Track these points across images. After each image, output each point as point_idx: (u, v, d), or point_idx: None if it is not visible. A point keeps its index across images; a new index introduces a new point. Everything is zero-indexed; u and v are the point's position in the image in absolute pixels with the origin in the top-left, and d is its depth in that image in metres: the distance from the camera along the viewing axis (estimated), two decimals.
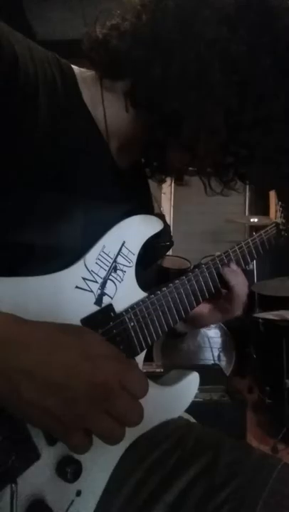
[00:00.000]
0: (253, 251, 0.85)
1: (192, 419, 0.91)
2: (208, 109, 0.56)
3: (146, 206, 0.79)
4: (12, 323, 0.44)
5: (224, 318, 0.83)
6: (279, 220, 0.96)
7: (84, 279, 0.59)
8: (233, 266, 0.80)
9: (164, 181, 0.76)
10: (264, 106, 0.55)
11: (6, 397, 0.42)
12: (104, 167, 0.65)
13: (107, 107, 0.63)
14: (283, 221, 0.96)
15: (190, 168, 0.69)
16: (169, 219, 4.03)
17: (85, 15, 2.73)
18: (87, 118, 0.62)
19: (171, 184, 3.94)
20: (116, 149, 0.66)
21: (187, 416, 0.91)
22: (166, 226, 0.71)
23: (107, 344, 0.47)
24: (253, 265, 2.95)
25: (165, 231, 0.70)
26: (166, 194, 3.98)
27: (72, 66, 0.63)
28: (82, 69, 0.64)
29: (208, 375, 2.07)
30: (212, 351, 2.91)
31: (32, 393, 0.41)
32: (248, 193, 4.06)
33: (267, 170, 0.61)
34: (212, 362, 2.81)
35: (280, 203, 1.06)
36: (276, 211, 1.05)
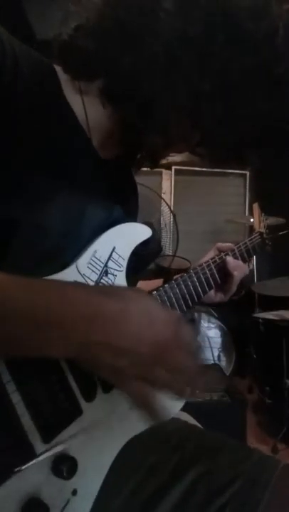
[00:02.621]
0: (239, 258, 0.92)
1: (192, 420, 0.91)
2: (174, 89, 0.59)
3: (131, 199, 0.81)
4: (82, 294, 0.51)
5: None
6: (263, 230, 1.03)
7: (76, 282, 0.60)
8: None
9: (140, 167, 0.81)
10: (222, 78, 0.59)
11: (87, 361, 0.51)
12: (89, 163, 0.66)
13: (86, 105, 0.64)
14: (267, 231, 1.05)
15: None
16: (169, 219, 4.03)
17: None
18: (70, 115, 0.63)
19: (171, 184, 3.95)
20: (99, 144, 0.68)
21: (187, 417, 0.91)
22: (155, 233, 0.74)
23: (164, 308, 0.61)
24: (253, 265, 2.96)
25: (154, 238, 0.73)
26: (166, 194, 3.98)
27: (54, 66, 0.64)
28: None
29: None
30: (212, 351, 2.91)
31: (108, 359, 0.49)
32: (248, 194, 4.06)
33: (230, 138, 0.65)
34: (212, 362, 2.81)
35: (263, 214, 1.12)
36: (260, 222, 1.11)
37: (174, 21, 0.57)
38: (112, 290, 0.55)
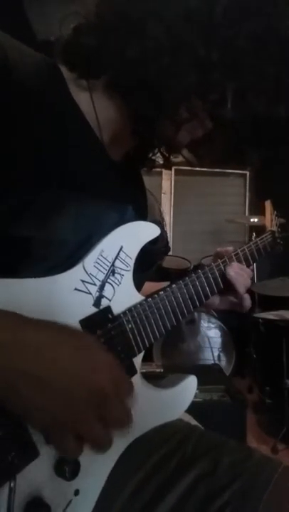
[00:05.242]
0: (249, 257, 0.89)
1: (193, 420, 0.91)
2: (182, 67, 0.58)
3: (141, 201, 0.80)
4: (15, 322, 0.45)
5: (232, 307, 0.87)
6: (274, 229, 1.00)
7: (83, 281, 0.60)
8: (235, 267, 0.82)
9: (152, 168, 0.80)
10: (229, 46, 0.57)
11: (4, 394, 0.42)
12: (99, 162, 0.66)
13: (96, 103, 0.64)
14: (279, 229, 1.02)
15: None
16: (169, 219, 4.03)
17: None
18: (78, 115, 0.63)
19: (171, 184, 3.95)
20: (109, 143, 0.67)
21: (188, 417, 0.91)
22: (163, 232, 0.72)
23: (106, 351, 0.49)
24: (253, 265, 2.95)
25: (162, 237, 0.71)
26: (166, 194, 3.98)
27: (59, 65, 0.64)
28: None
29: (208, 375, 2.07)
30: (212, 351, 2.91)
31: (31, 392, 0.42)
32: (248, 194, 4.06)
33: (240, 113, 0.62)
34: (212, 362, 2.81)
35: (275, 212, 1.10)
36: (271, 220, 1.09)
37: (174, 0, 0.56)
38: (47, 324, 0.47)
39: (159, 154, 0.78)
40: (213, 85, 0.59)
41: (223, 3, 0.56)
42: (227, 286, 0.81)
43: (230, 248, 0.87)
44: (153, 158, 0.78)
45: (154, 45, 0.57)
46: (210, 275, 0.80)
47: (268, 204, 1.18)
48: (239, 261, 0.85)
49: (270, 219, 1.11)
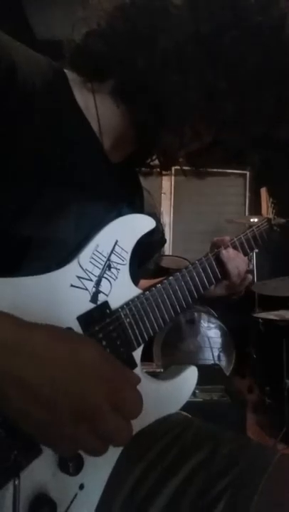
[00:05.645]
0: (245, 245, 0.88)
1: None
2: (187, 87, 0.59)
3: (138, 201, 0.81)
4: (11, 324, 0.44)
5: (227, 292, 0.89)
6: (271, 216, 0.99)
7: (79, 277, 0.60)
8: (230, 251, 0.84)
9: (150, 174, 0.80)
10: (236, 73, 0.59)
11: None
12: (98, 165, 0.67)
13: (98, 107, 0.65)
14: (275, 216, 1.00)
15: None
16: (169, 219, 4.04)
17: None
18: (80, 118, 0.64)
19: (171, 184, 3.95)
20: (109, 146, 0.68)
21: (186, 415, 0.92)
22: (159, 224, 0.72)
23: (106, 359, 0.45)
24: (253, 265, 2.96)
25: (157, 229, 0.71)
26: (166, 194, 3.98)
27: (64, 69, 0.65)
28: (72, 71, 0.66)
29: (208, 375, 2.07)
30: (212, 351, 2.91)
31: (20, 402, 0.40)
32: (248, 194, 4.06)
33: (239, 132, 0.64)
34: (212, 362, 2.81)
35: (271, 199, 1.10)
36: (268, 207, 1.08)
37: (184, 19, 0.57)
38: (41, 327, 0.45)
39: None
40: (217, 109, 0.60)
41: (232, 34, 0.57)
42: (223, 273, 0.83)
43: (227, 237, 0.88)
44: (151, 163, 0.79)
45: (160, 59, 0.58)
46: (206, 264, 0.80)
47: (263, 191, 1.17)
48: (235, 248, 0.86)
49: (266, 206, 1.10)
